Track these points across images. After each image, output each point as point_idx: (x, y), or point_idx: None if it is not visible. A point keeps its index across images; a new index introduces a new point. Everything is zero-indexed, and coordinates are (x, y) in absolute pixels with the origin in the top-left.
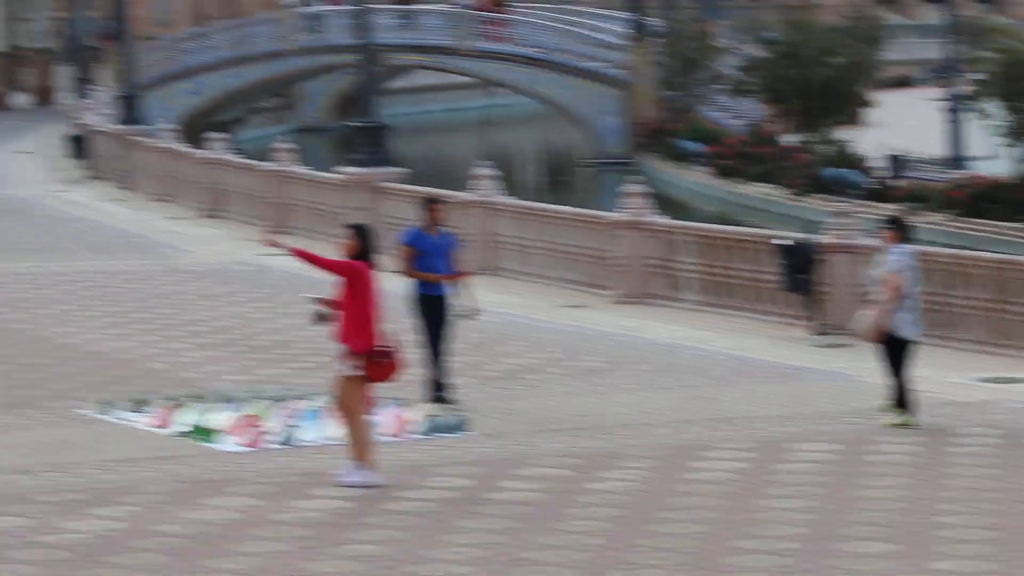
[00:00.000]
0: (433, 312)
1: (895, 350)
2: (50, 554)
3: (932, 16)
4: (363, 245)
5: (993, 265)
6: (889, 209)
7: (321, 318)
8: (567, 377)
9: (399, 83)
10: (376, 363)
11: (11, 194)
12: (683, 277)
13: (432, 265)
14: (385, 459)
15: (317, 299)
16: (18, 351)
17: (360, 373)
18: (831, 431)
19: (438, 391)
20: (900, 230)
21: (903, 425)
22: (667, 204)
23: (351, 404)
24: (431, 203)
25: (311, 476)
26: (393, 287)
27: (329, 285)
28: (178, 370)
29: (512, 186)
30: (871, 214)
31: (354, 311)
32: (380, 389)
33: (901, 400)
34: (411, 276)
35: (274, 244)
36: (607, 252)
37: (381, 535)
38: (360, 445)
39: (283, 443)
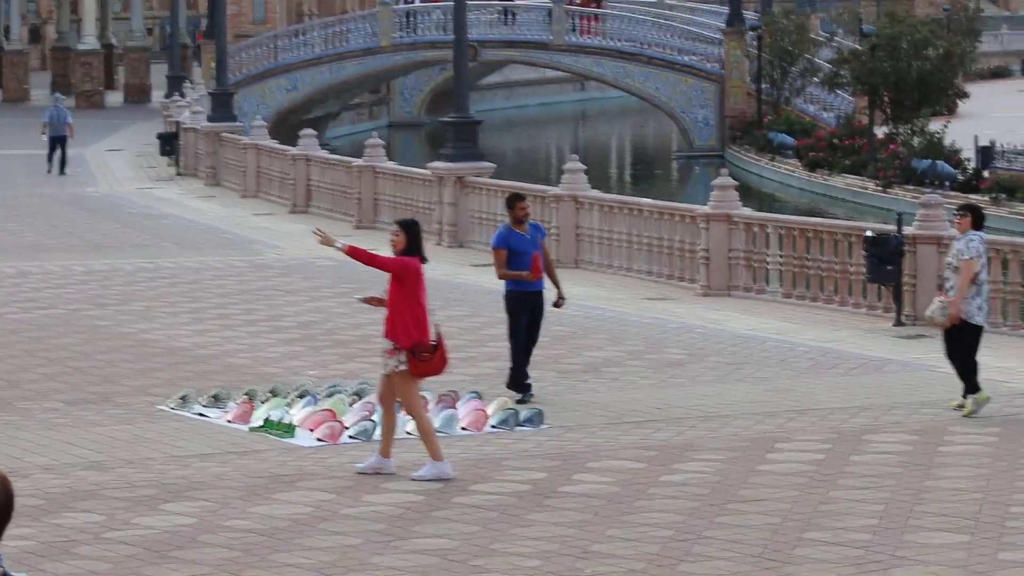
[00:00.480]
0: (525, 307)
1: (965, 336)
2: (119, 550)
3: None
4: (412, 240)
5: None
6: (977, 200)
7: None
8: (648, 370)
9: (494, 78)
10: (420, 359)
11: (101, 191)
12: (768, 269)
13: (526, 262)
14: (460, 452)
15: (364, 299)
16: (97, 348)
17: (405, 368)
18: (908, 422)
19: (518, 385)
20: (974, 217)
21: (981, 402)
22: (756, 196)
23: (410, 400)
24: (515, 200)
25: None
26: (470, 279)
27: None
28: (259, 365)
29: (602, 179)
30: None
31: (403, 307)
32: (447, 382)
33: (972, 385)
34: (505, 277)
35: (329, 243)
36: (693, 245)
37: (452, 529)
38: (427, 437)
39: (360, 438)
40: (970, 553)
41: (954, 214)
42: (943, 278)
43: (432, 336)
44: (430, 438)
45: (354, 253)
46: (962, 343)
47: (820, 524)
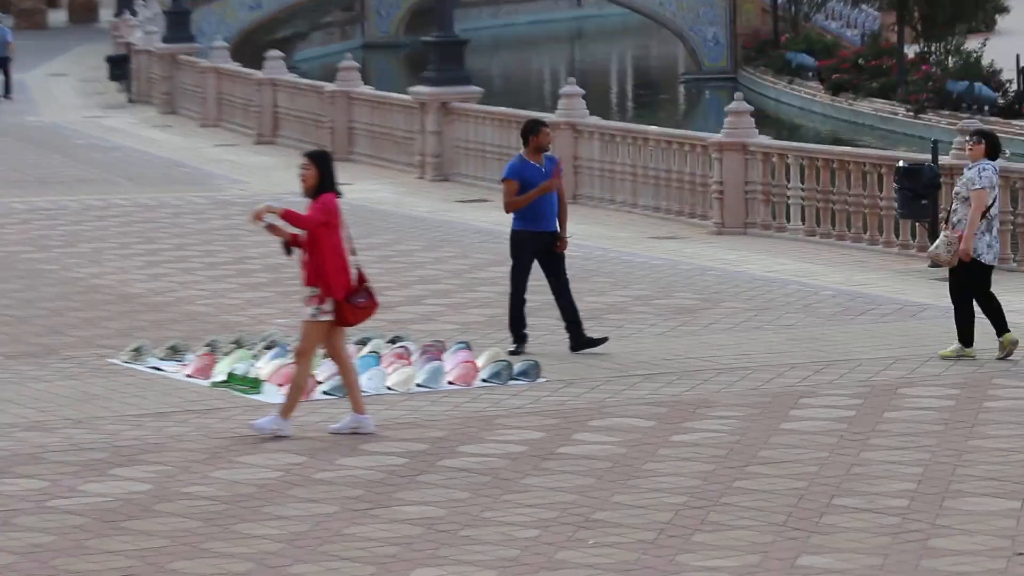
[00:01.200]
0: (532, 249)
1: (973, 277)
2: (65, 520)
3: None
4: (324, 174)
5: None
6: (1021, 127)
7: (288, 248)
8: (656, 317)
9: None
10: (356, 305)
11: (44, 121)
12: (789, 204)
13: (539, 198)
14: (448, 409)
15: (264, 220)
16: (42, 294)
17: (330, 318)
18: (948, 374)
19: (516, 334)
20: (988, 144)
21: (966, 355)
22: (773, 123)
23: (308, 349)
24: (537, 126)
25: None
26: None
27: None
28: (221, 313)
29: (602, 105)
30: (1001, 132)
31: (331, 253)
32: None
33: (966, 334)
34: (516, 206)
35: (260, 218)
36: (705, 177)
37: (439, 495)
38: (295, 392)
39: (336, 394)
40: (1019, 522)
41: (967, 140)
42: (950, 210)
43: (354, 277)
44: (295, 393)
45: (289, 217)
46: (969, 284)
47: (851, 489)
